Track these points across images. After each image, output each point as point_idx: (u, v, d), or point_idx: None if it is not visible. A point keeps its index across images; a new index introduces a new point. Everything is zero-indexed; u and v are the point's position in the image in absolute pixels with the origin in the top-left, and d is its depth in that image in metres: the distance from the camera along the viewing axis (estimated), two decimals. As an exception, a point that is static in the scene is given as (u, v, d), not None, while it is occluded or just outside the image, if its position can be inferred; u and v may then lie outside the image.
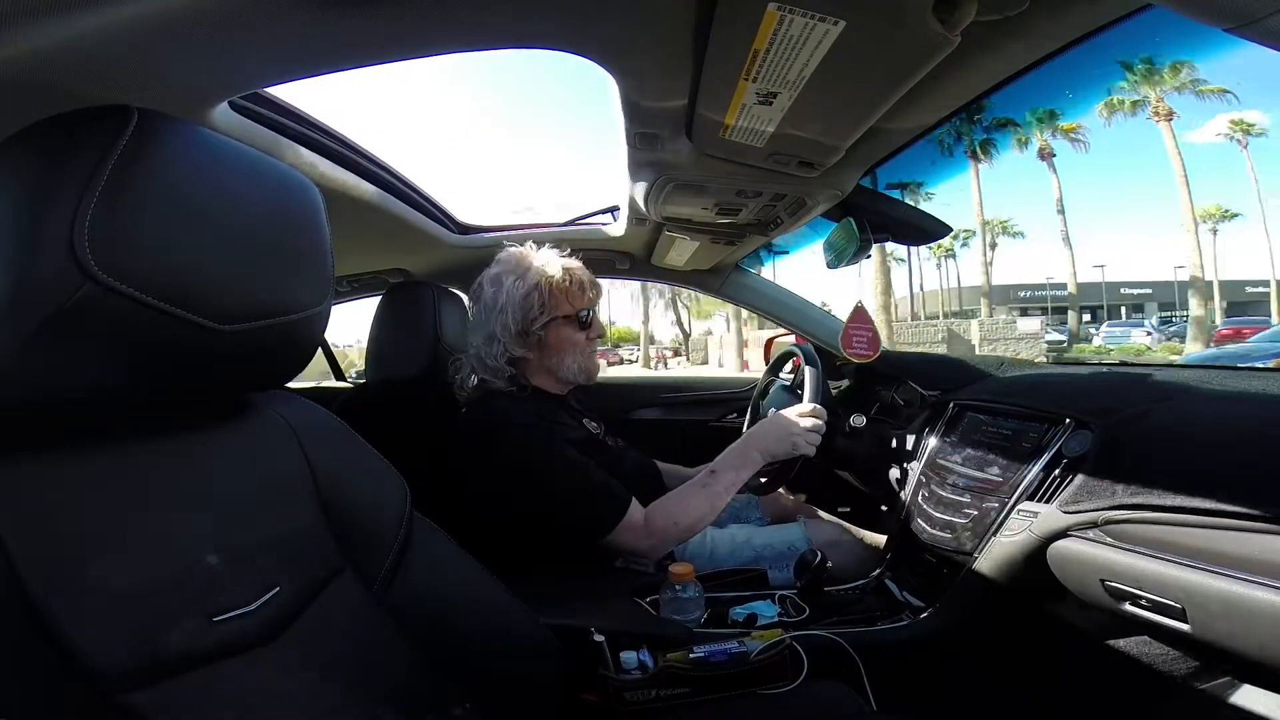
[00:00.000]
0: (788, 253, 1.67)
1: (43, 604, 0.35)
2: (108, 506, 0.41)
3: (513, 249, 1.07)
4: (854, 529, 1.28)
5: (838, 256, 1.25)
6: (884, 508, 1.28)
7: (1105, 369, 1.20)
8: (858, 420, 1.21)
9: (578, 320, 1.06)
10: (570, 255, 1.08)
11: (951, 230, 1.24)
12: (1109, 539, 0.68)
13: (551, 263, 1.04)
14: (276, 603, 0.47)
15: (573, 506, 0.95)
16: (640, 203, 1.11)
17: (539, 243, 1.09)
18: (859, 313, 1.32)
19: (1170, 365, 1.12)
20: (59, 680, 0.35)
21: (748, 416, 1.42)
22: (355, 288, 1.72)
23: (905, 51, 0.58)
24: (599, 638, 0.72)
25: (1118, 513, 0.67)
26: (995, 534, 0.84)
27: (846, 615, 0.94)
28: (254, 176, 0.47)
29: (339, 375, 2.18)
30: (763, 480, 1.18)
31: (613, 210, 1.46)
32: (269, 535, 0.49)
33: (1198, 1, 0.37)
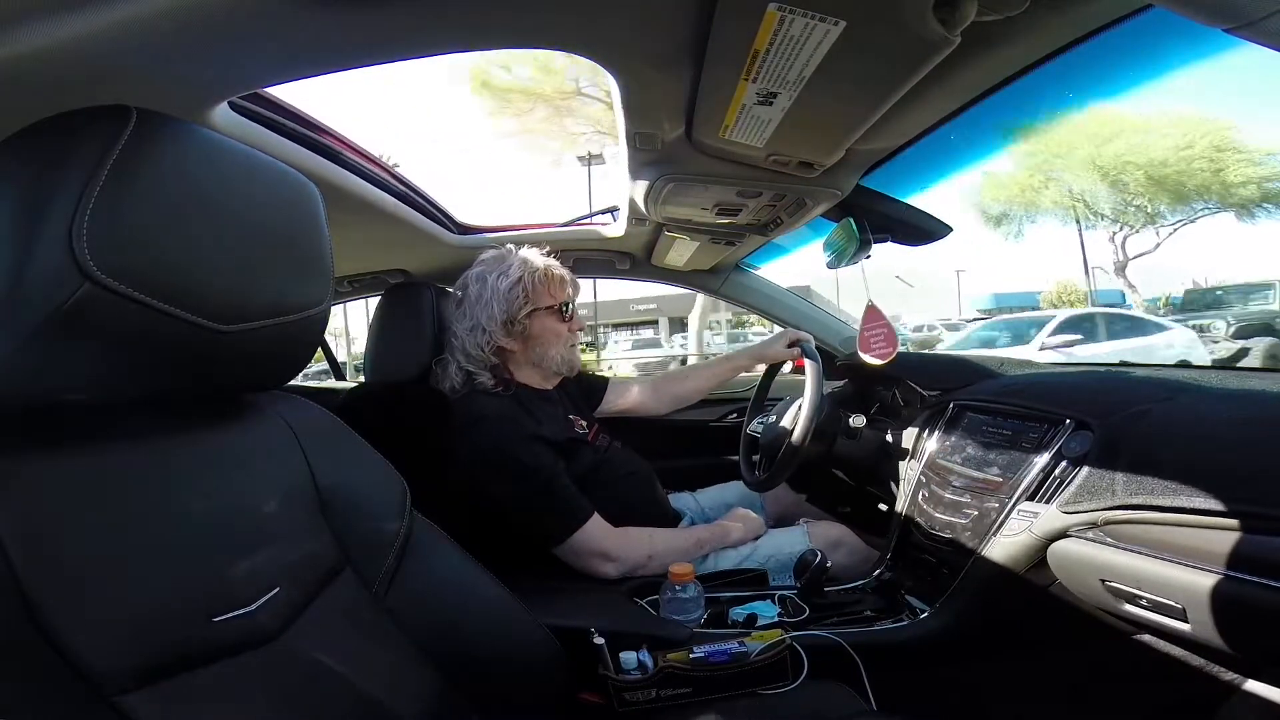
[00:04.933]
0: (787, 251, 1.67)
1: (42, 604, 0.35)
2: (108, 507, 0.41)
3: (494, 250, 1.12)
4: (854, 529, 1.28)
5: (838, 257, 1.25)
6: (884, 508, 1.28)
7: (1105, 369, 1.20)
8: (857, 420, 1.21)
9: (559, 312, 1.11)
10: (551, 256, 1.13)
11: (952, 230, 1.23)
12: (1109, 539, 0.68)
13: (534, 258, 1.10)
14: (276, 603, 0.47)
15: (529, 509, 0.97)
16: (640, 203, 1.11)
17: (531, 244, 1.14)
18: (871, 312, 1.32)
19: (1170, 365, 1.12)
20: (58, 680, 0.35)
21: (747, 415, 1.42)
22: (355, 288, 1.72)
23: (905, 52, 0.58)
24: (599, 639, 0.72)
25: (1118, 513, 0.67)
26: (995, 534, 0.83)
27: (846, 615, 0.94)
28: (254, 176, 0.47)
29: (339, 375, 2.17)
30: (763, 476, 1.18)
31: (612, 210, 1.46)
32: (269, 536, 0.49)
33: (1197, 2, 0.37)
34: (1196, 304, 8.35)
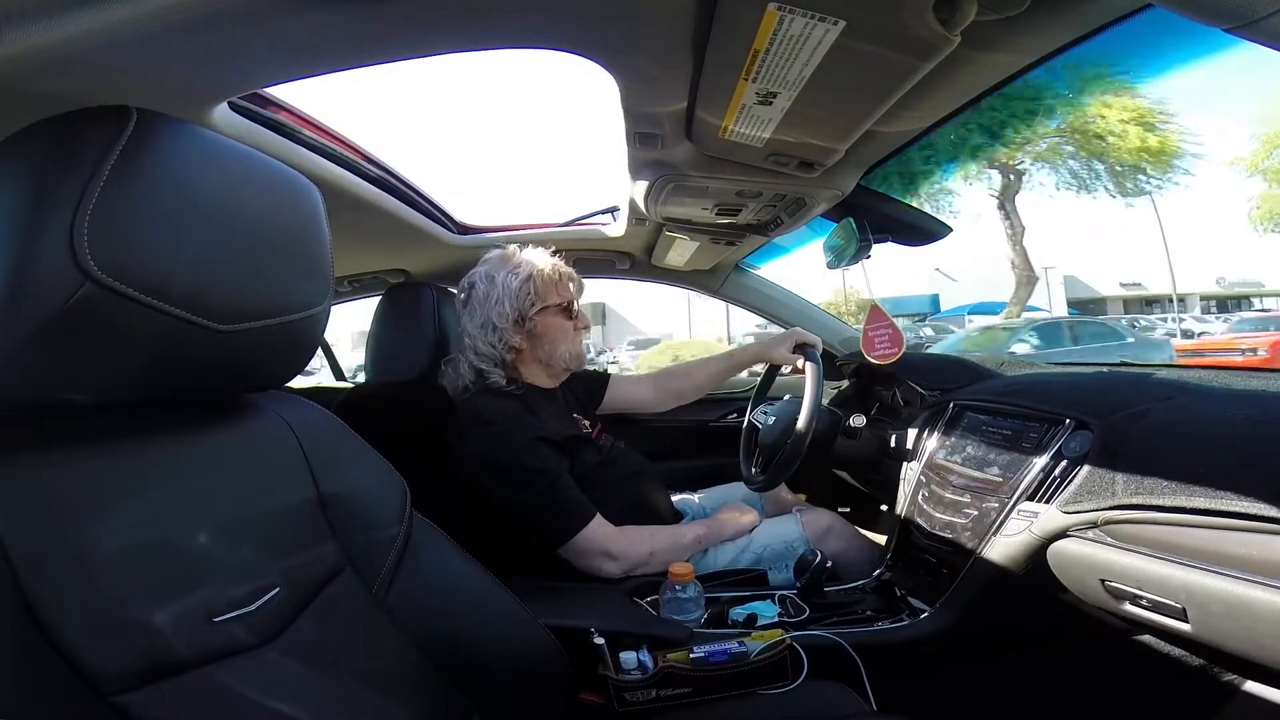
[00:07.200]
0: (787, 251, 1.67)
1: (41, 604, 0.35)
2: (107, 507, 0.41)
3: (498, 249, 1.13)
4: (854, 529, 1.28)
5: (838, 257, 1.25)
6: (884, 508, 1.28)
7: (1105, 369, 1.20)
8: (857, 420, 1.21)
9: (566, 310, 1.12)
10: (555, 255, 1.14)
11: (952, 231, 1.23)
12: (1109, 539, 0.68)
13: (540, 257, 1.11)
14: (276, 603, 0.47)
15: (531, 512, 0.98)
16: (640, 203, 1.11)
17: (534, 244, 1.15)
18: (875, 312, 1.32)
19: (1170, 365, 1.12)
20: (58, 680, 0.35)
21: (747, 415, 1.42)
22: (355, 288, 1.72)
23: (905, 52, 0.58)
24: (599, 639, 0.72)
25: (1118, 513, 0.67)
26: (995, 534, 0.83)
27: (846, 615, 0.94)
28: (254, 176, 0.47)
29: (339, 375, 2.18)
30: (761, 477, 1.18)
31: (613, 210, 1.46)
32: (268, 536, 0.49)
33: (1198, 2, 0.37)
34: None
